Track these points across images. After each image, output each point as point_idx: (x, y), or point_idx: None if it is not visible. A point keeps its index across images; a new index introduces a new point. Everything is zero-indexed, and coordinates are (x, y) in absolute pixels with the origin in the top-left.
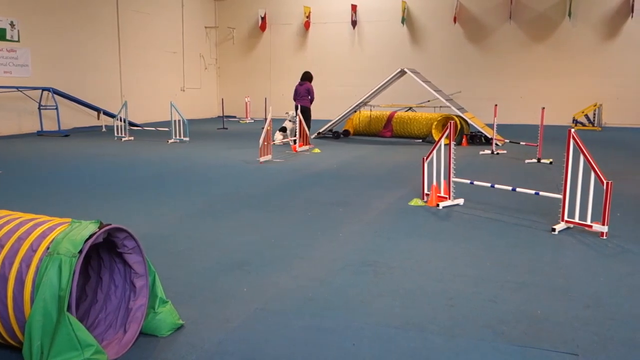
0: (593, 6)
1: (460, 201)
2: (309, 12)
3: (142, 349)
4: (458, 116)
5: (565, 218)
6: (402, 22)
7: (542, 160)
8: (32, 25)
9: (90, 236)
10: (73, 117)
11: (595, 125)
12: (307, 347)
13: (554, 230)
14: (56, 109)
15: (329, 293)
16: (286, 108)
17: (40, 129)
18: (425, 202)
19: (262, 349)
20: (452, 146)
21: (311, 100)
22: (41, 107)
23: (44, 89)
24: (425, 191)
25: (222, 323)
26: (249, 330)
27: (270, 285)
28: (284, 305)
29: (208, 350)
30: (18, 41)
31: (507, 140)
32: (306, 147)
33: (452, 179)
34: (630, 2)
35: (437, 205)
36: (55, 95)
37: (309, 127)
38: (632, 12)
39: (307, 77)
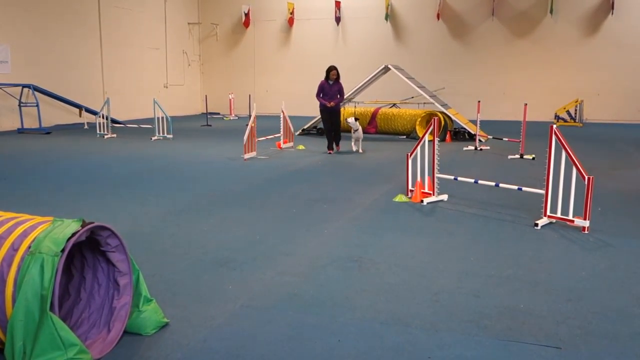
0: (574, 3)
1: (444, 197)
2: (293, 9)
3: (126, 347)
4: (442, 112)
5: (548, 213)
6: (386, 18)
7: (525, 156)
8: (11, 21)
9: (73, 234)
10: (54, 115)
11: (577, 121)
12: (292, 343)
13: (536, 225)
14: (37, 106)
15: (313, 289)
16: (270, 105)
17: (21, 127)
18: (410, 198)
19: (247, 346)
20: (436, 142)
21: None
22: (21, 105)
23: (24, 86)
24: (410, 187)
25: (206, 320)
26: (233, 327)
27: (255, 282)
28: (269, 301)
29: (193, 348)
30: None
31: (490, 136)
32: (291, 144)
33: (436, 174)
34: None
35: (421, 201)
36: (36, 92)
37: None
38: (612, 9)
39: None
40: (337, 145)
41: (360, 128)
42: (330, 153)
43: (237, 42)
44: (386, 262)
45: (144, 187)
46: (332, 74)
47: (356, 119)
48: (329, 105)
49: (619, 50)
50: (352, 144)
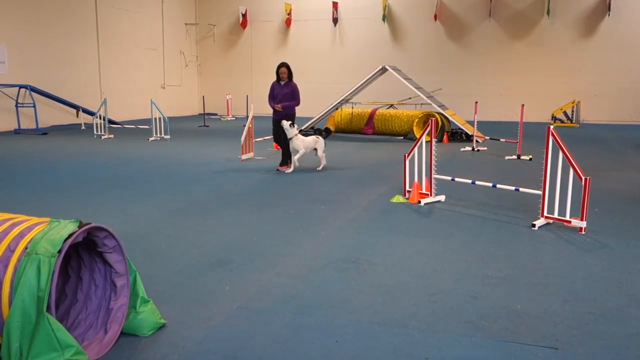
0: (571, 4)
1: (442, 198)
2: (290, 9)
3: (123, 349)
4: (439, 113)
5: (545, 214)
6: (383, 19)
7: (522, 157)
8: (8, 21)
9: (70, 235)
10: (51, 115)
11: (574, 122)
12: (290, 344)
13: (533, 226)
14: (34, 106)
15: (311, 290)
16: (268, 106)
17: (17, 127)
18: (407, 199)
19: (244, 347)
20: (433, 143)
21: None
22: (18, 105)
23: (21, 87)
24: (407, 188)
25: (203, 322)
26: (231, 328)
27: (252, 283)
28: (266, 303)
29: (190, 349)
30: None
31: (488, 137)
32: None
33: (434, 175)
34: (607, 1)
35: (419, 202)
36: (33, 93)
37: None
38: (609, 10)
39: None
40: (287, 164)
41: (297, 137)
42: (280, 170)
43: (235, 42)
44: (384, 263)
45: (141, 188)
46: (281, 71)
47: (292, 124)
48: (276, 108)
49: (615, 51)
50: (295, 159)
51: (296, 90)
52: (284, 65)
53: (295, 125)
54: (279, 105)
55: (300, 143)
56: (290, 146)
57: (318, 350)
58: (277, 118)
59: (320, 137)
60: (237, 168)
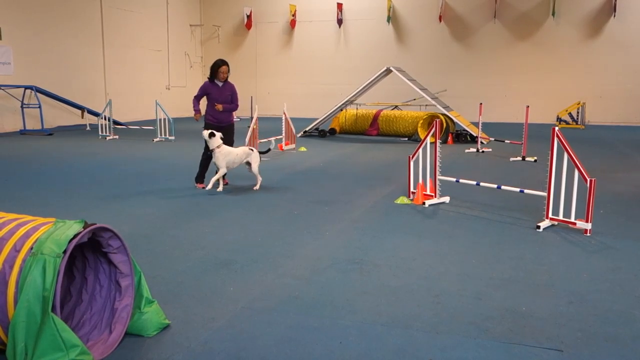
0: (576, 5)
1: (446, 199)
2: (295, 11)
3: (128, 349)
4: (443, 114)
5: (550, 215)
6: (388, 20)
7: (527, 158)
8: (14, 23)
9: (75, 236)
10: (56, 116)
11: (579, 123)
12: (293, 345)
13: (538, 227)
14: (39, 107)
15: (314, 291)
16: (272, 106)
17: (23, 128)
18: (411, 200)
19: (248, 348)
20: (438, 144)
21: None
22: (24, 106)
23: (26, 87)
24: (411, 189)
25: (208, 322)
26: (234, 329)
27: (256, 284)
28: (270, 303)
29: (194, 349)
30: (0, 39)
31: (492, 139)
32: (292, 146)
33: (438, 177)
34: (613, 1)
35: (423, 203)
36: (38, 94)
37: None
38: (615, 11)
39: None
40: (203, 180)
41: (219, 149)
42: (199, 187)
43: (239, 44)
44: (387, 265)
45: (146, 188)
46: (222, 70)
47: (212, 135)
48: (217, 108)
49: (620, 52)
50: (214, 178)
51: (236, 93)
52: (225, 63)
53: (218, 134)
54: (220, 106)
55: (223, 158)
56: (213, 159)
57: (321, 351)
58: (217, 124)
59: (254, 150)
60: (240, 169)
